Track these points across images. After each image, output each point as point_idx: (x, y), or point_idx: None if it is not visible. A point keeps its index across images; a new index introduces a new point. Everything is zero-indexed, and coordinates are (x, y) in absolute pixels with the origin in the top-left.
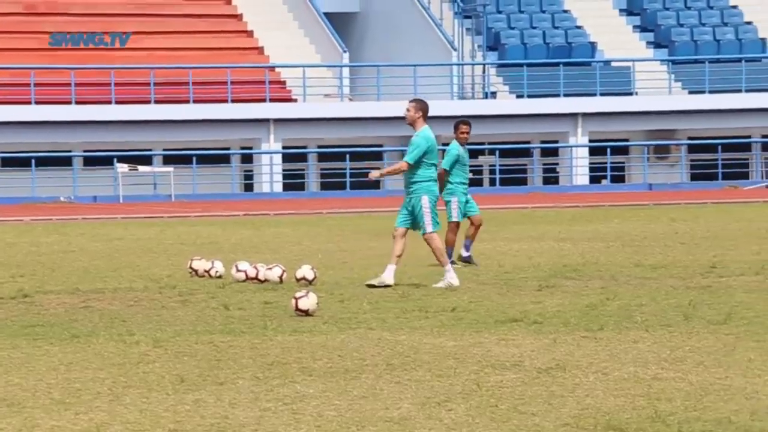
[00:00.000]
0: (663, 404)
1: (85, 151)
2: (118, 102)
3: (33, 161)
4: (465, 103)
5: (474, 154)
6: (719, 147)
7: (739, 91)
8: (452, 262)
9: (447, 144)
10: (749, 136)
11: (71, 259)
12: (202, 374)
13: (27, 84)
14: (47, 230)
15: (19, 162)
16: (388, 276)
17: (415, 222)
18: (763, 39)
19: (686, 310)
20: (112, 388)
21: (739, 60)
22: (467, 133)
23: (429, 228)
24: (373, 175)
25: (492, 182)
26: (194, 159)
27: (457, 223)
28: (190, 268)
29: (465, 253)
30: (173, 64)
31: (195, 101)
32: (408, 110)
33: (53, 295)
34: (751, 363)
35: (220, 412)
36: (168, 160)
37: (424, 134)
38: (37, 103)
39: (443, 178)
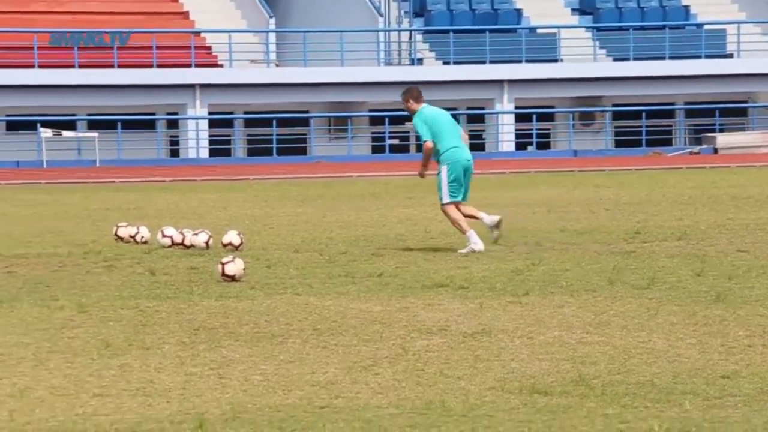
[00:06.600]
0: (587, 368)
1: (8, 116)
2: (41, 66)
3: None
4: (391, 69)
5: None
6: (643, 114)
7: (663, 58)
8: None
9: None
10: (673, 103)
11: None
12: (128, 339)
13: None
14: None
15: None
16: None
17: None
18: (686, 6)
19: (610, 275)
20: (36, 354)
21: (663, 27)
22: None
23: (445, 199)
24: (421, 174)
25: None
26: (119, 124)
27: None
28: (116, 234)
29: None
30: (98, 28)
31: (120, 66)
32: (403, 104)
33: None
34: (673, 327)
35: (145, 376)
36: (92, 125)
37: (418, 115)
38: None
39: None
